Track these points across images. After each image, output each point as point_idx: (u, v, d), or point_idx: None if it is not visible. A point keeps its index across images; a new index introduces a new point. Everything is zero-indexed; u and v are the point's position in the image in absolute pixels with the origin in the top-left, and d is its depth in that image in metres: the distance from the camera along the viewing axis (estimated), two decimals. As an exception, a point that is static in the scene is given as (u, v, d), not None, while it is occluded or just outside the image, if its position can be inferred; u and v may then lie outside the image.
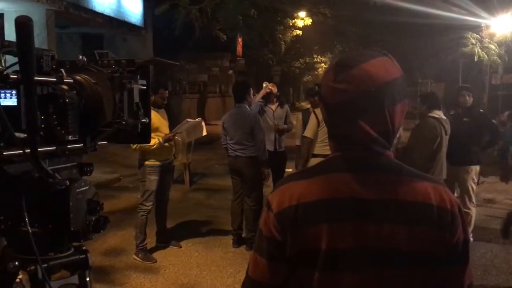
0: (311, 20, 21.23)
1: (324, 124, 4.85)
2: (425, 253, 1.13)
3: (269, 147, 5.86)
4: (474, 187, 5.73)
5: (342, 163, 1.17)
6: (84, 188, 1.40)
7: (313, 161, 4.95)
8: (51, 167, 1.32)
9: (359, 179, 1.14)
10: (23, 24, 1.06)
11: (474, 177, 5.68)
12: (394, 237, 1.11)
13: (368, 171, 1.16)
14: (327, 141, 4.78)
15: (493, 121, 5.91)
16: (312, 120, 5.14)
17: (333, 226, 1.12)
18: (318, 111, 5.12)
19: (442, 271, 1.15)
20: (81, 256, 1.46)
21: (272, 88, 6.25)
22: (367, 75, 1.13)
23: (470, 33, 13.23)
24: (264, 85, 6.39)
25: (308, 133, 5.18)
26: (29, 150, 1.18)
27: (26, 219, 1.28)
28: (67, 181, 1.31)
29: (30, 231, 1.28)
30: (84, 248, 1.49)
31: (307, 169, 1.27)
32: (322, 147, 4.92)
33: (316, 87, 6.16)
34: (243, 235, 5.50)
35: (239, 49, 23.81)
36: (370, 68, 1.14)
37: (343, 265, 1.12)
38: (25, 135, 1.18)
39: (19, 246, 1.32)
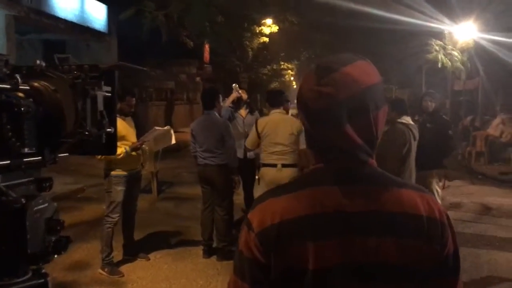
0: (277, 28, 21.36)
1: (267, 135, 4.93)
2: (415, 266, 1.07)
3: (239, 154, 5.78)
4: (439, 190, 5.86)
5: (325, 175, 1.11)
6: (42, 206, 1.27)
7: (263, 171, 4.98)
8: (5, 184, 1.20)
9: (343, 191, 1.08)
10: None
11: (437, 180, 5.82)
12: (383, 250, 1.06)
13: (353, 183, 1.09)
14: (271, 150, 4.87)
15: (450, 132, 6.05)
16: (252, 131, 5.18)
17: (319, 243, 1.05)
18: (260, 122, 5.11)
19: (433, 284, 1.10)
20: (39, 281, 1.33)
21: (243, 95, 6.17)
22: (351, 79, 1.08)
23: (434, 40, 13.56)
24: (233, 86, 6.28)
25: (247, 143, 5.32)
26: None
27: (-24, 243, 1.15)
28: (22, 199, 1.18)
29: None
30: (43, 271, 1.35)
31: (288, 184, 1.18)
32: (268, 156, 4.95)
33: (266, 94, 6.12)
34: (214, 245, 5.37)
35: (207, 55, 23.72)
36: (353, 71, 1.09)
37: (331, 284, 1.06)
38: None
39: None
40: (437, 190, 5.75)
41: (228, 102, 6.03)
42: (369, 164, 1.11)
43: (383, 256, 1.05)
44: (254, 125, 5.21)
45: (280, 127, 4.92)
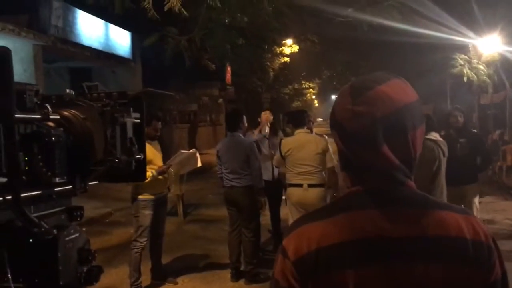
0: (298, 47, 21.47)
1: (289, 155, 4.88)
2: None
3: (267, 176, 5.74)
4: (478, 206, 5.73)
5: (364, 198, 1.06)
6: (74, 236, 1.25)
7: (290, 191, 4.93)
8: (36, 214, 1.19)
9: (384, 215, 1.03)
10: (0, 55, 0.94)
11: (476, 195, 5.72)
12: (428, 278, 1.00)
13: (393, 206, 1.04)
14: (298, 170, 4.83)
15: (485, 146, 6.00)
16: (277, 152, 5.18)
17: (360, 271, 1.00)
18: (284, 143, 5.07)
19: None
20: (72, 312, 1.31)
21: (268, 116, 6.15)
22: (387, 97, 1.04)
23: (458, 54, 13.36)
24: (259, 120, 6.23)
25: (274, 163, 5.42)
26: (10, 197, 1.05)
27: (9, 275, 1.14)
28: (54, 230, 1.17)
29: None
30: (75, 302, 1.33)
31: (324, 208, 1.14)
32: (294, 177, 4.89)
33: (286, 117, 6.12)
34: (242, 268, 5.30)
35: (228, 77, 23.91)
36: (389, 90, 1.05)
37: None
38: (6, 179, 1.05)
39: (1, 304, 1.17)
40: (476, 206, 5.67)
41: (254, 135, 5.98)
42: (408, 185, 1.07)
43: (428, 284, 1.00)
44: (278, 146, 5.17)
45: (306, 147, 4.87)
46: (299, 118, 5.23)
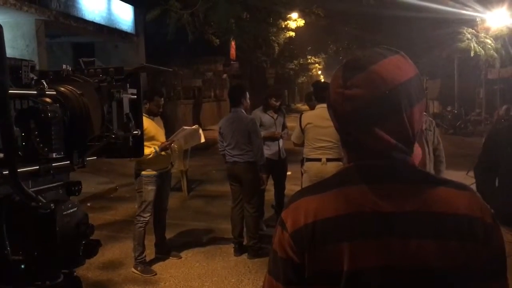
0: (303, 21, 21.18)
1: (309, 129, 4.83)
2: (457, 270, 1.02)
3: (274, 156, 5.81)
4: None
5: (360, 174, 1.07)
6: (72, 210, 1.27)
7: (308, 165, 4.88)
8: (34, 189, 1.21)
9: (380, 190, 1.04)
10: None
11: None
12: (423, 253, 1.01)
13: (390, 182, 1.05)
14: (317, 145, 4.69)
15: None
16: (297, 126, 5.09)
17: (355, 244, 1.01)
18: (304, 116, 5.00)
19: None
20: (71, 284, 1.34)
21: (275, 103, 6.14)
22: (380, 78, 1.03)
23: (465, 28, 13.17)
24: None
25: (294, 139, 5.18)
26: (7, 172, 1.06)
27: (8, 248, 1.16)
28: (51, 204, 1.19)
29: (13, 260, 1.16)
30: (75, 274, 1.36)
31: (322, 182, 1.15)
32: (312, 151, 4.84)
33: (312, 87, 6.05)
34: (244, 242, 5.37)
35: (233, 52, 23.73)
36: (382, 69, 1.04)
37: (367, 286, 1.02)
38: (2, 154, 1.06)
39: (1, 276, 1.20)
40: None
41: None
42: (406, 162, 1.07)
43: (423, 259, 1.01)
44: (298, 120, 5.10)
45: (326, 122, 4.80)
46: (325, 92, 5.09)
